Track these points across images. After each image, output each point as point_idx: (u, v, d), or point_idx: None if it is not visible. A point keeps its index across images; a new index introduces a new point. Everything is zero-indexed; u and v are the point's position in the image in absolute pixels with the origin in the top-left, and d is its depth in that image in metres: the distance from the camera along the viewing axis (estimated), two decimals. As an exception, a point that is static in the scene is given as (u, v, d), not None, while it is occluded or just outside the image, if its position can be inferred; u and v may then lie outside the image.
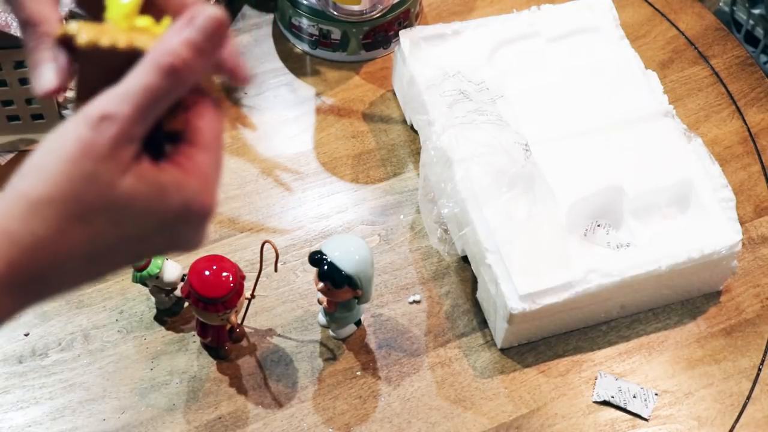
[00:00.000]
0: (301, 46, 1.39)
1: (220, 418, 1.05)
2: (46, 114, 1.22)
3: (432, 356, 1.11)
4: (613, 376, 1.10)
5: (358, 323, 1.11)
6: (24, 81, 1.17)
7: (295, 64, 1.38)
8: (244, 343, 1.10)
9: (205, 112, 0.53)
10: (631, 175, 1.15)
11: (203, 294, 0.99)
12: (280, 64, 1.38)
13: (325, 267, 1.00)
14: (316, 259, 1.00)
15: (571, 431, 1.06)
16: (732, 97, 1.36)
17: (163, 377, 1.08)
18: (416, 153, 1.28)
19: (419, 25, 1.42)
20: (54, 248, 0.49)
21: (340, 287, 1.00)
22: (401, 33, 1.27)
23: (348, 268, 0.99)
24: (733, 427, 1.07)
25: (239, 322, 1.08)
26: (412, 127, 1.30)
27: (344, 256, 1.00)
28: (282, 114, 1.33)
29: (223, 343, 1.08)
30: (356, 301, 1.04)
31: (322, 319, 1.11)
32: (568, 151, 1.17)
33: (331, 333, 1.11)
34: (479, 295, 1.14)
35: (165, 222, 0.51)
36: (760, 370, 1.12)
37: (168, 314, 1.13)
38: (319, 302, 1.09)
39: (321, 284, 1.01)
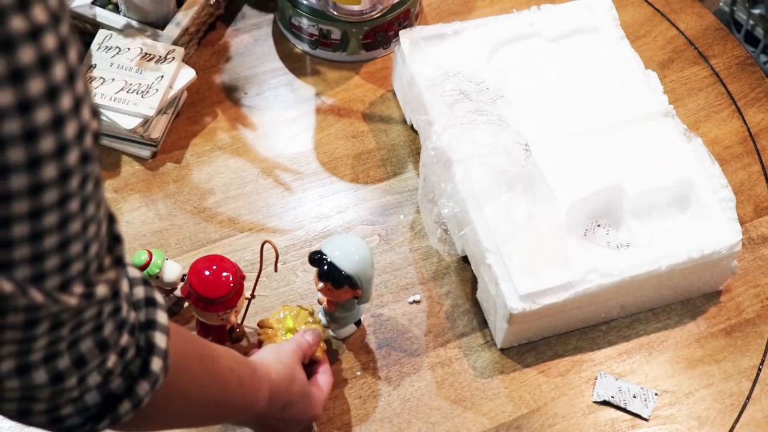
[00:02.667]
0: (301, 46, 1.39)
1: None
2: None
3: (432, 356, 1.11)
4: (613, 376, 1.10)
5: (358, 323, 1.11)
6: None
7: (295, 64, 1.38)
8: (244, 343, 1.10)
9: (319, 368, 1.03)
10: (631, 175, 1.15)
11: (203, 294, 0.99)
12: (280, 64, 1.38)
13: (325, 267, 1.00)
14: (316, 259, 1.00)
15: (571, 431, 1.06)
16: (732, 97, 1.36)
17: (163, 377, 1.08)
18: (416, 153, 1.28)
19: (419, 25, 1.42)
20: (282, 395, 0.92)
21: (340, 287, 1.00)
22: (401, 33, 1.27)
23: (348, 268, 0.99)
24: (733, 427, 1.07)
25: (239, 322, 1.07)
26: (412, 127, 1.30)
27: (344, 256, 1.00)
28: (282, 114, 1.33)
29: (223, 343, 1.08)
30: (356, 301, 1.04)
31: (322, 319, 1.11)
32: (568, 151, 1.17)
33: (331, 333, 1.11)
34: (479, 295, 1.14)
35: (306, 413, 0.97)
36: (760, 370, 1.12)
37: (168, 314, 1.12)
38: (319, 302, 1.09)
39: (321, 284, 1.01)
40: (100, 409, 0.64)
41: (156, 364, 0.66)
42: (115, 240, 0.61)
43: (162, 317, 0.68)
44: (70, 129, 0.51)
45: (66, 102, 0.50)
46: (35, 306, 0.53)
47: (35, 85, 0.48)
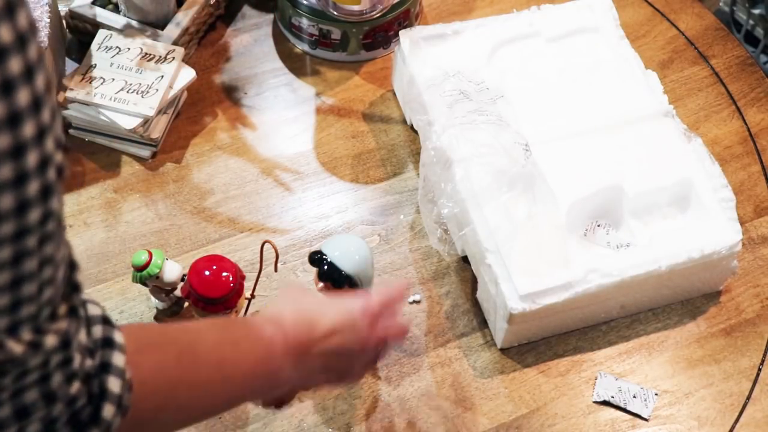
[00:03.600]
0: (301, 46, 1.39)
1: (220, 418, 1.05)
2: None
3: (432, 356, 1.11)
4: (613, 376, 1.10)
5: None
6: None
7: (295, 64, 1.38)
8: (244, 343, 1.10)
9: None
10: (631, 175, 1.15)
11: (203, 294, 0.99)
12: (280, 64, 1.38)
13: (325, 267, 1.00)
14: (316, 259, 1.00)
15: (571, 431, 1.06)
16: (732, 97, 1.36)
17: (163, 377, 1.08)
18: (416, 153, 1.28)
19: (419, 25, 1.42)
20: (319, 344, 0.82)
21: (340, 287, 1.00)
22: (401, 33, 1.27)
23: (348, 268, 0.99)
24: (733, 427, 1.07)
25: (239, 322, 1.08)
26: (412, 127, 1.30)
27: (344, 256, 1.00)
28: (282, 114, 1.33)
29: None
30: None
31: None
32: (568, 151, 1.17)
33: None
34: (479, 295, 1.14)
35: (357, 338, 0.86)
36: (760, 370, 1.12)
37: (168, 314, 1.13)
38: None
39: (321, 284, 1.01)
40: None
41: (108, 410, 0.61)
42: (72, 288, 0.58)
43: (118, 359, 0.63)
44: (32, 158, 0.49)
45: (28, 130, 0.48)
46: None
47: None
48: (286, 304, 0.84)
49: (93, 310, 0.63)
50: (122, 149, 1.26)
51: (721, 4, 1.73)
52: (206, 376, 0.73)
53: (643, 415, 1.07)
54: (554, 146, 1.17)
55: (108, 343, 0.63)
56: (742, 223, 1.17)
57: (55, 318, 0.56)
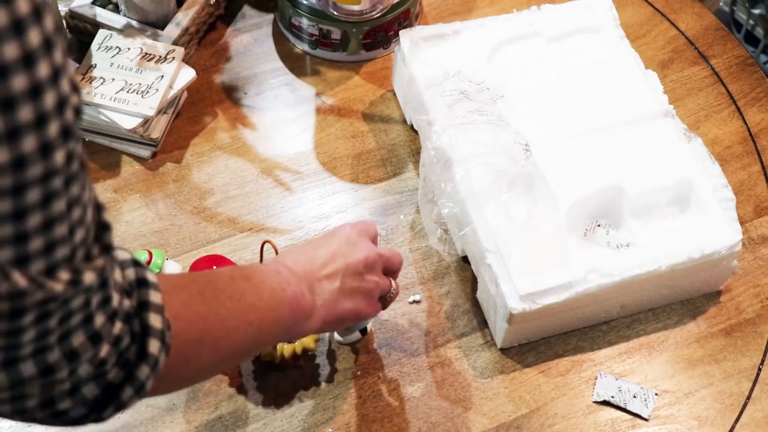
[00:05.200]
0: (301, 46, 1.39)
1: (220, 418, 1.05)
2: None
3: (432, 356, 1.11)
4: (613, 376, 1.10)
5: (364, 332, 1.10)
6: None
7: (295, 64, 1.38)
8: (244, 343, 1.10)
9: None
10: (631, 175, 1.15)
11: (203, 294, 0.99)
12: (280, 64, 1.38)
13: None
14: None
15: (571, 431, 1.06)
16: (732, 97, 1.36)
17: (163, 377, 1.08)
18: (416, 153, 1.28)
19: (419, 25, 1.42)
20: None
21: None
22: (401, 33, 1.27)
23: None
24: (733, 427, 1.07)
25: (239, 322, 1.08)
26: (412, 127, 1.30)
27: None
28: (282, 114, 1.33)
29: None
30: None
31: None
32: (568, 151, 1.17)
33: (336, 337, 1.11)
34: (479, 295, 1.14)
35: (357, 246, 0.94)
36: (760, 370, 1.12)
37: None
38: None
39: None
40: (102, 398, 0.63)
41: (153, 346, 0.64)
42: (103, 228, 0.59)
43: (155, 296, 0.66)
44: (49, 99, 0.50)
45: (43, 70, 0.49)
46: (19, 292, 0.52)
47: (9, 51, 0.47)
48: (285, 250, 0.89)
49: (122, 255, 0.65)
50: (122, 149, 1.26)
51: (721, 4, 1.73)
52: (232, 307, 0.76)
53: (643, 415, 1.07)
54: (554, 146, 1.17)
55: (143, 283, 0.65)
56: (742, 223, 1.17)
57: (91, 258, 0.57)
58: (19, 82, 0.48)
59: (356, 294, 0.91)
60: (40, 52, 0.49)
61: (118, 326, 0.62)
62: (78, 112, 0.53)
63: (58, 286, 0.54)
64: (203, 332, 0.73)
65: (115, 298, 0.61)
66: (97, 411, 0.64)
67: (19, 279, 0.51)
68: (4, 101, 0.48)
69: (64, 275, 0.54)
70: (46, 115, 0.50)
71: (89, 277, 0.56)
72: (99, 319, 0.59)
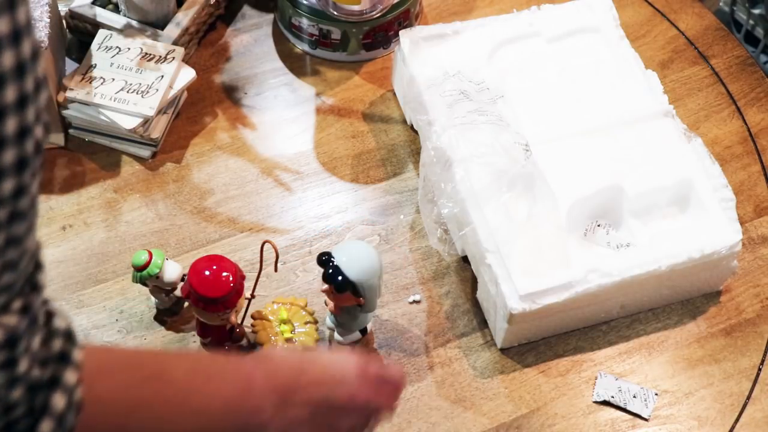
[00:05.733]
0: (301, 46, 1.39)
1: (220, 418, 1.05)
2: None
3: (432, 356, 1.11)
4: (613, 376, 1.10)
5: (364, 332, 1.10)
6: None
7: (295, 64, 1.38)
8: (244, 342, 1.10)
9: None
10: (631, 175, 1.15)
11: (203, 294, 0.99)
12: (280, 64, 1.38)
13: (330, 270, 1.00)
14: (323, 260, 1.00)
15: (571, 431, 1.06)
16: (732, 97, 1.36)
17: (163, 377, 1.08)
18: (416, 153, 1.28)
19: (419, 25, 1.42)
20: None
21: (341, 292, 1.00)
22: (401, 33, 1.27)
23: (352, 275, 0.99)
24: (733, 427, 1.07)
25: (239, 322, 1.07)
26: (412, 127, 1.30)
27: (351, 262, 0.99)
28: (282, 114, 1.33)
29: (223, 343, 1.08)
30: (359, 309, 1.04)
31: (329, 321, 1.11)
32: (568, 151, 1.17)
33: (336, 337, 1.11)
34: (479, 295, 1.14)
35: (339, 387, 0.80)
36: (760, 370, 1.12)
37: (168, 314, 1.13)
38: (325, 304, 1.09)
39: (325, 286, 1.01)
40: None
41: (45, 426, 0.58)
42: (32, 288, 0.55)
43: (70, 376, 0.59)
44: (10, 125, 0.48)
45: (10, 95, 0.47)
46: None
47: None
48: (277, 351, 0.79)
49: (58, 323, 0.60)
50: (122, 149, 1.26)
51: (721, 4, 1.73)
52: (173, 406, 0.69)
53: (643, 415, 1.07)
54: (554, 146, 1.17)
55: (64, 359, 0.59)
56: (742, 223, 1.17)
57: (7, 310, 0.53)
58: None
59: (320, 428, 0.78)
60: (10, 76, 0.47)
61: (17, 393, 0.56)
62: (39, 147, 0.50)
63: None
64: (128, 422, 0.66)
65: (23, 364, 0.56)
66: None
67: None
68: None
69: None
70: (3, 141, 0.47)
71: None
72: None
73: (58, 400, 0.58)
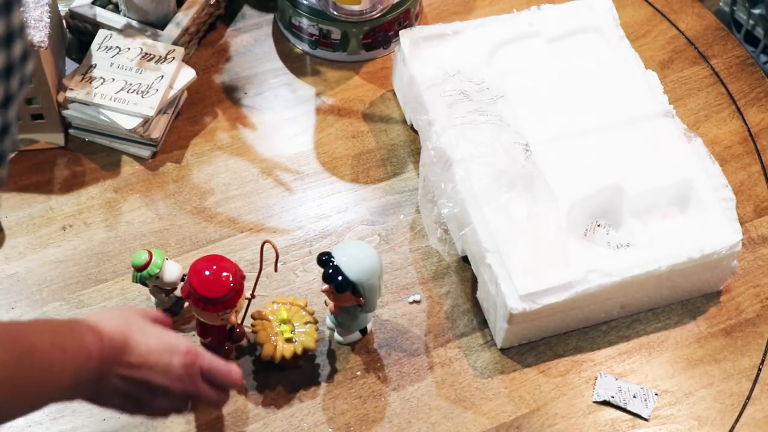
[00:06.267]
0: (301, 46, 1.39)
1: (220, 418, 1.05)
2: (46, 114, 1.22)
3: (432, 356, 1.11)
4: (613, 376, 1.10)
5: (364, 332, 1.10)
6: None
7: (295, 64, 1.38)
8: (244, 343, 1.10)
9: None
10: (631, 175, 1.15)
11: (203, 294, 0.99)
12: (280, 64, 1.38)
13: (330, 270, 1.00)
14: (324, 260, 1.00)
15: (571, 431, 1.06)
16: (732, 97, 1.36)
17: (163, 377, 1.08)
18: (416, 153, 1.28)
19: (419, 25, 1.42)
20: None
21: (341, 292, 1.00)
22: (401, 33, 1.27)
23: (351, 275, 0.99)
24: (733, 427, 1.07)
25: (239, 322, 1.08)
26: (412, 127, 1.30)
27: (351, 262, 0.99)
28: (282, 114, 1.33)
29: (223, 343, 1.08)
30: (359, 309, 1.04)
31: (329, 321, 1.11)
32: (568, 151, 1.17)
33: (336, 337, 1.11)
34: (479, 295, 1.14)
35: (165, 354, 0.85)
36: (760, 370, 1.12)
37: (168, 314, 1.12)
38: (325, 304, 1.09)
39: (325, 286, 1.01)
40: None
41: None
42: None
43: None
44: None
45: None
46: None
47: None
48: (114, 317, 0.83)
49: None
50: (122, 149, 1.26)
51: (721, 4, 1.73)
52: (39, 381, 0.73)
53: (643, 415, 1.07)
54: (554, 146, 1.17)
55: None
56: (742, 223, 1.17)
57: None
58: None
59: (132, 401, 0.84)
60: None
61: None
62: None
63: None
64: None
65: None
66: None
67: None
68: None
69: None
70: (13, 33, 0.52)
71: None
72: None
73: None
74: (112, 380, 0.80)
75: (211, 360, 0.89)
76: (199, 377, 0.87)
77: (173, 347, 0.85)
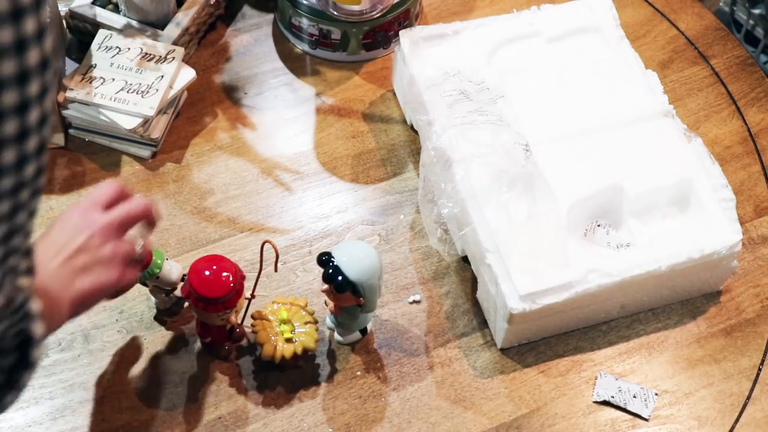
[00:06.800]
0: (301, 46, 1.39)
1: (220, 418, 1.05)
2: (46, 114, 1.22)
3: (432, 356, 1.11)
4: (613, 376, 1.10)
5: (364, 332, 1.10)
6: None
7: (295, 64, 1.38)
8: (244, 343, 1.10)
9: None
10: (631, 175, 1.15)
11: (203, 294, 0.99)
12: (280, 64, 1.38)
13: (330, 270, 1.00)
14: (323, 260, 1.00)
15: (571, 431, 1.06)
16: (732, 97, 1.36)
17: (163, 377, 1.08)
18: (416, 153, 1.28)
19: (419, 25, 1.42)
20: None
21: (341, 292, 1.00)
22: (401, 33, 1.27)
23: (352, 275, 0.99)
24: (733, 427, 1.07)
25: (239, 322, 1.08)
26: (412, 127, 1.30)
27: (351, 262, 0.99)
28: (282, 114, 1.33)
29: (223, 343, 1.08)
30: (359, 309, 1.04)
31: (329, 321, 1.11)
32: (568, 151, 1.17)
33: (336, 337, 1.11)
34: (479, 295, 1.14)
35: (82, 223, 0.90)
36: (760, 370, 1.12)
37: (168, 314, 1.13)
38: (325, 304, 1.09)
39: (325, 286, 1.01)
40: None
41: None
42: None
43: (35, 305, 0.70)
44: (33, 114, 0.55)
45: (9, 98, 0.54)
46: None
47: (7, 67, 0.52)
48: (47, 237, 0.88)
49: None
50: (122, 149, 1.26)
51: (721, 4, 1.73)
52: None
53: (643, 415, 1.07)
54: (554, 146, 1.17)
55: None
56: (742, 223, 1.17)
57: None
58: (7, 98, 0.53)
59: (92, 269, 0.87)
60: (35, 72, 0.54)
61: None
62: (43, 147, 0.58)
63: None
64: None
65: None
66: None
67: None
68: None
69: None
70: (29, 130, 0.56)
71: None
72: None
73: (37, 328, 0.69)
74: (58, 274, 0.85)
75: (107, 191, 0.93)
76: (102, 208, 0.92)
77: (69, 213, 0.90)
